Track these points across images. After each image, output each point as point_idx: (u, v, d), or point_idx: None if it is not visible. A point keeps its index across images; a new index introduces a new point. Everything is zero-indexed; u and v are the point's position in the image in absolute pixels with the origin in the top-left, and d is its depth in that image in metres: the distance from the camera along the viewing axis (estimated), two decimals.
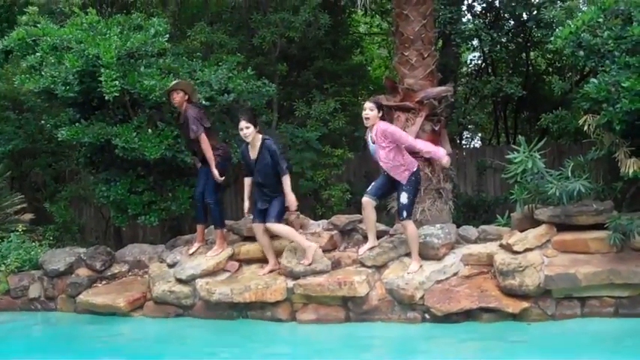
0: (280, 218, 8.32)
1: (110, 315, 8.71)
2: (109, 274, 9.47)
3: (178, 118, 8.99)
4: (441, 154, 7.99)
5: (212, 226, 9.04)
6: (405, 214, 7.82)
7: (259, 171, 8.31)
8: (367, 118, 7.92)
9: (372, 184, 8.19)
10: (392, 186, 8.03)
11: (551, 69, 15.48)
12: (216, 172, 8.70)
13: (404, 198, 7.82)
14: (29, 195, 12.95)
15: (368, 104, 7.99)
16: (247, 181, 8.57)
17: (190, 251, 8.86)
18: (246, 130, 8.21)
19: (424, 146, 8.05)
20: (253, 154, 8.34)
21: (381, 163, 7.94)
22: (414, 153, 8.13)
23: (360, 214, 8.52)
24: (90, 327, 8.52)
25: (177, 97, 8.76)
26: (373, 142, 7.96)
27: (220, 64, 10.82)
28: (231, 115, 10.61)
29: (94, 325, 8.52)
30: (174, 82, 8.89)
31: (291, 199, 8.18)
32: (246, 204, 8.62)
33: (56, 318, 9.22)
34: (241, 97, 10.48)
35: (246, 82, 10.55)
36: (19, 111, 12.58)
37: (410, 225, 7.87)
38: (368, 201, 8.07)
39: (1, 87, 12.45)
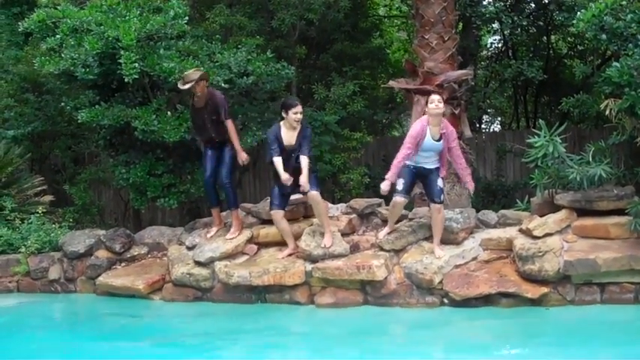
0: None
1: (129, 297, 8.76)
2: (128, 256, 9.51)
3: (193, 99, 8.91)
4: (468, 180, 8.25)
5: (227, 209, 9.05)
6: (441, 197, 7.87)
7: (295, 156, 8.27)
8: (438, 112, 7.82)
9: (402, 182, 7.92)
10: (417, 178, 8.08)
11: (572, 52, 15.35)
12: (244, 154, 8.75)
13: (441, 182, 7.91)
14: (49, 177, 13.01)
15: (437, 97, 7.86)
16: (278, 160, 8.26)
17: (209, 235, 8.87)
18: (301, 115, 8.23)
19: (465, 170, 8.29)
20: (291, 137, 8.25)
21: (426, 161, 7.93)
22: None
23: (379, 197, 8.52)
24: (109, 309, 8.59)
25: (201, 85, 8.70)
26: (438, 140, 7.87)
27: (239, 46, 10.79)
28: (250, 97, 10.60)
29: (112, 307, 8.59)
30: (196, 73, 8.73)
31: (305, 182, 8.12)
32: (285, 176, 8.20)
33: (76, 299, 9.29)
34: (260, 80, 10.45)
35: (265, 64, 10.51)
36: (39, 93, 12.61)
37: (442, 210, 7.90)
38: (404, 201, 8.02)
39: (21, 69, 12.50)
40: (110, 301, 8.88)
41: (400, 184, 7.93)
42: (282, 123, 8.33)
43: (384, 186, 7.86)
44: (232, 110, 9.35)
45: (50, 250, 9.86)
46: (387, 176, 7.89)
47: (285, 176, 8.11)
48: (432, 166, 7.95)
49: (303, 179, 8.09)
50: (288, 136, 8.28)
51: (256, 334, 7.12)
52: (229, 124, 8.71)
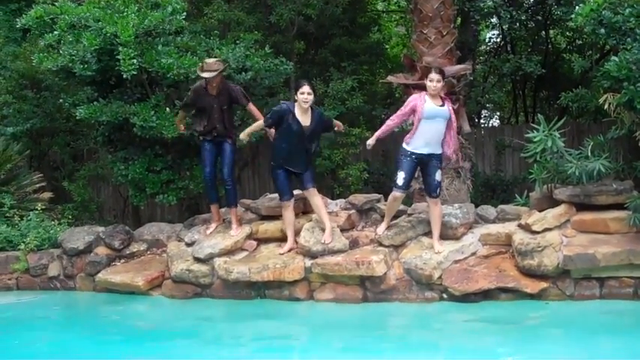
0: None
1: (128, 294, 8.75)
2: (128, 252, 9.50)
3: (207, 90, 8.75)
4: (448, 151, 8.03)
5: (226, 206, 9.05)
6: (438, 191, 7.89)
7: (310, 138, 8.25)
8: (435, 89, 7.78)
9: (402, 176, 7.87)
10: (417, 168, 8.02)
11: (571, 47, 15.35)
12: (272, 130, 8.60)
13: (439, 175, 7.90)
14: (48, 174, 13.02)
15: (436, 76, 7.76)
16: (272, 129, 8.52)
17: (208, 231, 8.85)
18: (309, 96, 8.08)
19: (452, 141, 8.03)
20: (304, 121, 8.17)
21: (427, 135, 7.79)
22: None
23: (378, 193, 8.53)
24: (108, 306, 8.58)
25: (219, 78, 8.68)
26: (442, 105, 7.84)
27: (238, 42, 10.78)
28: (248, 93, 10.58)
29: (112, 304, 8.59)
30: (217, 64, 8.63)
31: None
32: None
33: (75, 296, 9.28)
34: (259, 76, 10.45)
35: (263, 60, 10.52)
36: (37, 90, 12.61)
37: (439, 203, 7.93)
38: (402, 195, 8.02)
39: (20, 66, 12.49)
40: (110, 297, 8.86)
41: (400, 179, 7.89)
42: (296, 104, 8.23)
43: (370, 141, 8.11)
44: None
45: (49, 247, 9.85)
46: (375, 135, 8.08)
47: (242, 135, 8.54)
48: (433, 151, 7.82)
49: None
50: (302, 118, 8.18)
51: (256, 331, 7.14)
52: (252, 108, 8.91)
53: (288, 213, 8.34)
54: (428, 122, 7.76)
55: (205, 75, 8.55)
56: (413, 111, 7.82)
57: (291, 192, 8.34)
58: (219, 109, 8.68)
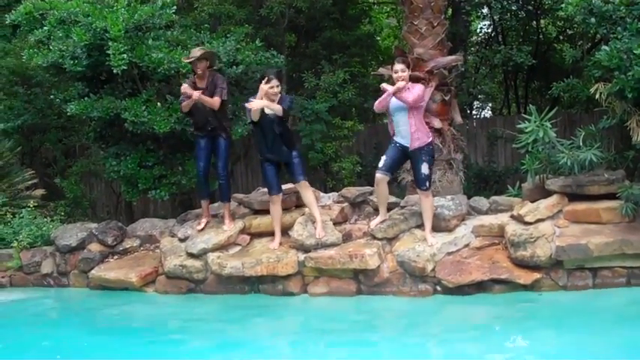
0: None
1: (122, 290, 8.75)
2: (121, 249, 9.49)
3: (195, 84, 8.77)
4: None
5: (219, 202, 9.06)
6: (427, 184, 7.81)
7: (277, 123, 8.20)
8: (402, 80, 7.72)
9: (384, 158, 7.98)
10: (404, 157, 7.98)
11: (561, 37, 15.38)
12: (196, 93, 8.47)
13: (425, 168, 7.77)
14: (40, 170, 13.00)
15: (399, 66, 7.75)
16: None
17: (199, 228, 8.83)
18: (277, 88, 8.13)
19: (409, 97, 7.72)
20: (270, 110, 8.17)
21: (405, 133, 7.79)
22: (425, 123, 8.07)
23: (371, 186, 8.48)
24: (102, 302, 8.57)
25: (202, 66, 8.64)
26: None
27: (228, 35, 10.76)
28: (239, 87, 10.57)
29: (106, 301, 8.57)
30: (200, 51, 8.64)
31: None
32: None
33: (69, 293, 9.28)
34: (250, 69, 10.42)
35: (254, 53, 10.49)
36: (28, 86, 12.56)
37: (430, 196, 7.89)
38: (383, 177, 7.98)
39: (10, 62, 12.44)
40: (103, 294, 8.86)
41: (382, 160, 7.96)
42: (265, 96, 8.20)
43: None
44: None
45: (42, 245, 9.85)
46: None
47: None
48: (409, 144, 7.76)
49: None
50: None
51: (250, 326, 7.14)
52: (216, 99, 8.56)
53: (276, 207, 8.35)
54: (394, 116, 7.89)
55: (187, 60, 8.66)
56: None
57: (279, 187, 8.35)
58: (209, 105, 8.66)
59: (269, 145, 8.25)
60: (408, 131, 7.76)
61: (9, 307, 8.81)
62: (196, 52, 8.65)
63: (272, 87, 8.11)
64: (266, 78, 8.10)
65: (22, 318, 8.19)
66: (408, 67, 7.90)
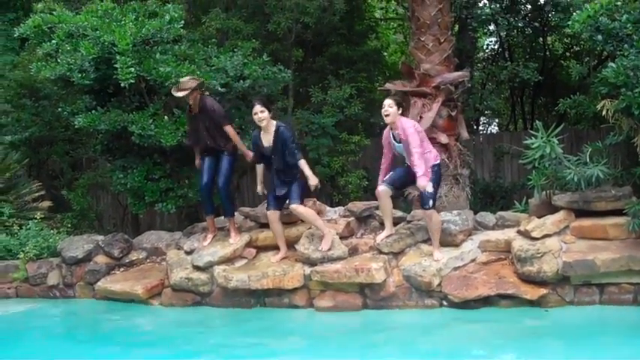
0: (302, 200, 8.34)
1: (128, 302, 8.75)
2: (127, 261, 9.50)
3: (190, 109, 8.90)
4: (423, 178, 7.65)
5: (222, 217, 9.11)
6: (430, 203, 7.76)
7: (276, 157, 8.30)
8: (387, 115, 7.83)
9: (390, 173, 8.12)
10: (412, 177, 7.98)
11: (568, 53, 15.38)
12: (250, 153, 8.76)
13: (430, 187, 7.72)
14: (47, 183, 13.03)
15: (387, 101, 7.91)
16: (259, 167, 8.72)
17: (205, 243, 8.84)
18: (261, 114, 8.20)
19: (418, 163, 7.66)
20: (267, 140, 8.33)
21: (408, 161, 7.90)
22: (432, 138, 8.11)
23: (377, 200, 8.49)
24: (108, 314, 8.57)
25: (193, 95, 8.70)
26: (399, 142, 7.90)
27: (235, 50, 10.79)
28: (246, 101, 10.59)
29: (112, 313, 8.57)
30: (192, 82, 8.70)
31: (313, 179, 8.19)
32: (259, 187, 8.74)
33: (75, 305, 9.24)
34: (257, 84, 10.45)
35: (261, 68, 10.52)
36: (36, 99, 12.62)
37: (434, 215, 7.86)
38: (385, 190, 8.03)
39: (18, 75, 12.51)
40: (109, 306, 8.85)
41: (387, 175, 8.11)
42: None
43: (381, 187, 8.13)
44: (229, 114, 9.33)
45: (49, 256, 9.84)
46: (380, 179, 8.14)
47: (257, 188, 8.68)
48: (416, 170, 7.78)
49: (311, 183, 8.21)
50: (265, 138, 8.38)
51: (255, 339, 7.12)
52: (229, 130, 8.72)
53: (275, 225, 8.41)
54: (402, 154, 8.06)
55: (179, 94, 8.65)
56: (389, 144, 8.11)
57: (277, 205, 8.39)
58: (204, 127, 8.76)
59: (273, 178, 8.42)
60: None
61: (15, 318, 8.80)
62: (187, 82, 8.70)
63: (255, 113, 8.23)
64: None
65: (29, 329, 8.19)
66: (398, 105, 7.93)
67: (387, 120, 7.86)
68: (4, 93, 12.79)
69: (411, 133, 7.73)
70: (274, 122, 8.33)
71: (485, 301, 7.37)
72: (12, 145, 12.40)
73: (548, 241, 7.55)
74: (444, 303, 7.58)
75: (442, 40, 10.45)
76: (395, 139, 7.95)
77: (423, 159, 7.72)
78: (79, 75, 9.35)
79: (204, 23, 12.46)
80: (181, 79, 8.82)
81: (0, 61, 13.81)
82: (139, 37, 9.38)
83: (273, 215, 8.35)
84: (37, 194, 11.91)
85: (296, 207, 8.21)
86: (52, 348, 7.34)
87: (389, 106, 7.82)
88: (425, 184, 7.64)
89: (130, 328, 7.97)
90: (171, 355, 6.82)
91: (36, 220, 10.48)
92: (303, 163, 8.21)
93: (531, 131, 8.67)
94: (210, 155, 8.87)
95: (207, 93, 9.07)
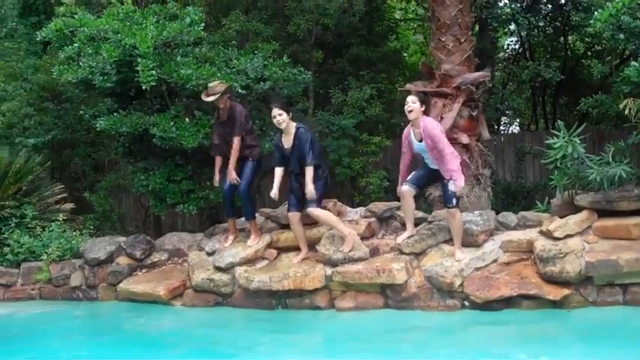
0: (320, 203, 8.32)
1: (150, 303, 8.79)
2: (149, 262, 9.55)
3: (217, 113, 8.98)
4: (459, 179, 7.67)
5: (243, 218, 9.12)
6: (454, 201, 7.74)
7: (295, 159, 8.31)
8: (410, 111, 7.77)
9: (413, 173, 8.10)
10: (433, 177, 7.99)
11: (590, 53, 15.26)
12: (234, 174, 8.79)
13: (452, 186, 7.69)
14: (69, 185, 13.11)
15: (411, 97, 7.85)
16: (278, 171, 8.57)
17: (226, 245, 8.90)
18: (279, 117, 8.23)
19: (452, 162, 7.69)
20: (288, 142, 8.36)
21: (428, 161, 7.90)
22: (453, 139, 8.07)
23: (398, 201, 8.48)
24: (130, 315, 8.61)
25: (223, 99, 8.81)
26: (420, 141, 7.86)
27: (256, 52, 10.81)
28: (267, 103, 10.62)
29: (134, 314, 8.61)
30: (221, 86, 8.82)
31: (311, 190, 8.12)
32: (274, 191, 8.44)
33: (97, 306, 9.31)
34: (277, 85, 10.47)
35: (281, 69, 10.53)
36: (58, 102, 12.74)
37: (457, 213, 7.83)
38: (408, 190, 8.01)
39: (40, 78, 12.61)
40: (131, 307, 8.91)
41: (410, 175, 8.08)
42: None
43: (398, 190, 8.18)
44: (250, 116, 9.35)
45: (71, 257, 9.91)
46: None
47: (272, 192, 8.41)
48: (443, 171, 7.80)
49: (307, 190, 8.15)
50: (285, 140, 8.41)
51: (277, 340, 7.14)
52: (236, 141, 8.76)
53: (296, 227, 8.45)
54: (419, 155, 8.06)
55: (210, 99, 8.72)
56: (409, 143, 8.04)
57: (297, 207, 8.41)
58: (231, 134, 8.85)
59: (292, 182, 8.53)
60: (438, 162, 7.81)
61: (39, 319, 8.86)
62: (217, 87, 8.79)
63: (274, 117, 8.28)
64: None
65: (52, 330, 8.23)
66: (421, 102, 7.87)
67: (411, 116, 7.80)
68: (27, 96, 12.91)
69: (436, 134, 7.68)
70: (294, 124, 8.35)
71: (508, 302, 7.34)
72: (35, 148, 12.51)
73: (570, 241, 7.50)
74: (466, 304, 7.56)
75: (462, 41, 10.42)
76: (415, 138, 7.93)
77: (455, 159, 7.74)
78: (101, 78, 9.42)
79: (224, 25, 12.50)
80: (210, 84, 8.89)
81: (23, 64, 13.91)
82: (160, 39, 9.43)
83: (294, 217, 8.37)
84: (59, 196, 11.99)
85: (312, 210, 8.22)
86: (74, 348, 7.41)
87: (412, 102, 7.77)
88: (462, 184, 7.68)
89: (150, 329, 7.99)
90: (198, 356, 6.85)
91: (58, 222, 10.56)
92: (309, 170, 8.17)
93: (553, 131, 8.63)
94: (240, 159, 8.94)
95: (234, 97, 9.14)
